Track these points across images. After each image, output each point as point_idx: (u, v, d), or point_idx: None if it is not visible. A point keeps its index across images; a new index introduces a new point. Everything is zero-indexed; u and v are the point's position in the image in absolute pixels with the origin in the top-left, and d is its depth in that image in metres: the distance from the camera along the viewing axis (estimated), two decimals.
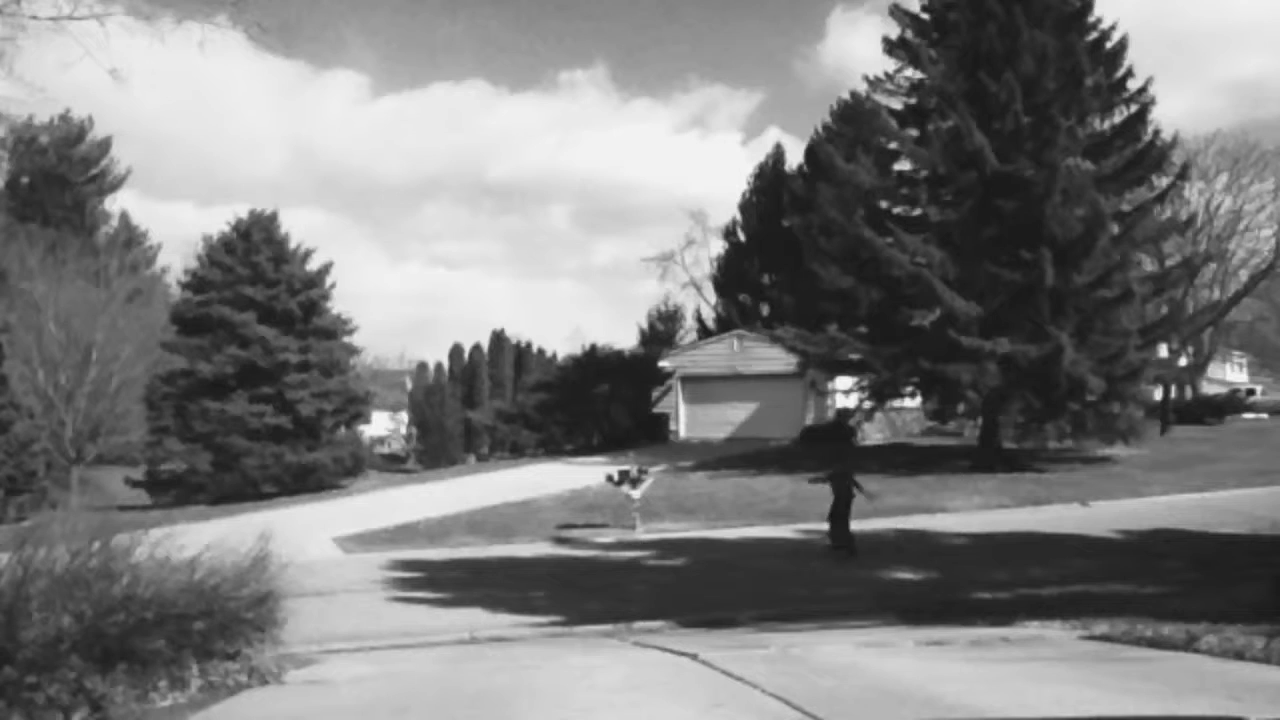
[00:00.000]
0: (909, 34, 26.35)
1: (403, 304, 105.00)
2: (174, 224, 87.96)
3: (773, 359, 32.62)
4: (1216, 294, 41.25)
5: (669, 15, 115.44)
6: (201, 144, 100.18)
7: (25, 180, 53.22)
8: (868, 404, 28.44)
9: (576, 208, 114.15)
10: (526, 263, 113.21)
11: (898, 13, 26.45)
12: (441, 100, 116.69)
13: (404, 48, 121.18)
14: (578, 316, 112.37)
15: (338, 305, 35.50)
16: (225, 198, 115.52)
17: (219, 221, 58.94)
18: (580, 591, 12.17)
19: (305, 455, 31.49)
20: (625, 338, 57.83)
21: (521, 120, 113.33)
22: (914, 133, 26.43)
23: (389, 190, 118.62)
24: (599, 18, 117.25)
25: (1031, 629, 7.63)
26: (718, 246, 46.85)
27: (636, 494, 17.85)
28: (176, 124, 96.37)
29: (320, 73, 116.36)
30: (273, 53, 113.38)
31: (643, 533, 17.39)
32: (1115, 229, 24.83)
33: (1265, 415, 41.10)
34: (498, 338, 60.86)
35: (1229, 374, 55.38)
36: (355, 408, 34.78)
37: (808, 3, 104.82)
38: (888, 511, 18.81)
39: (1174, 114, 60.81)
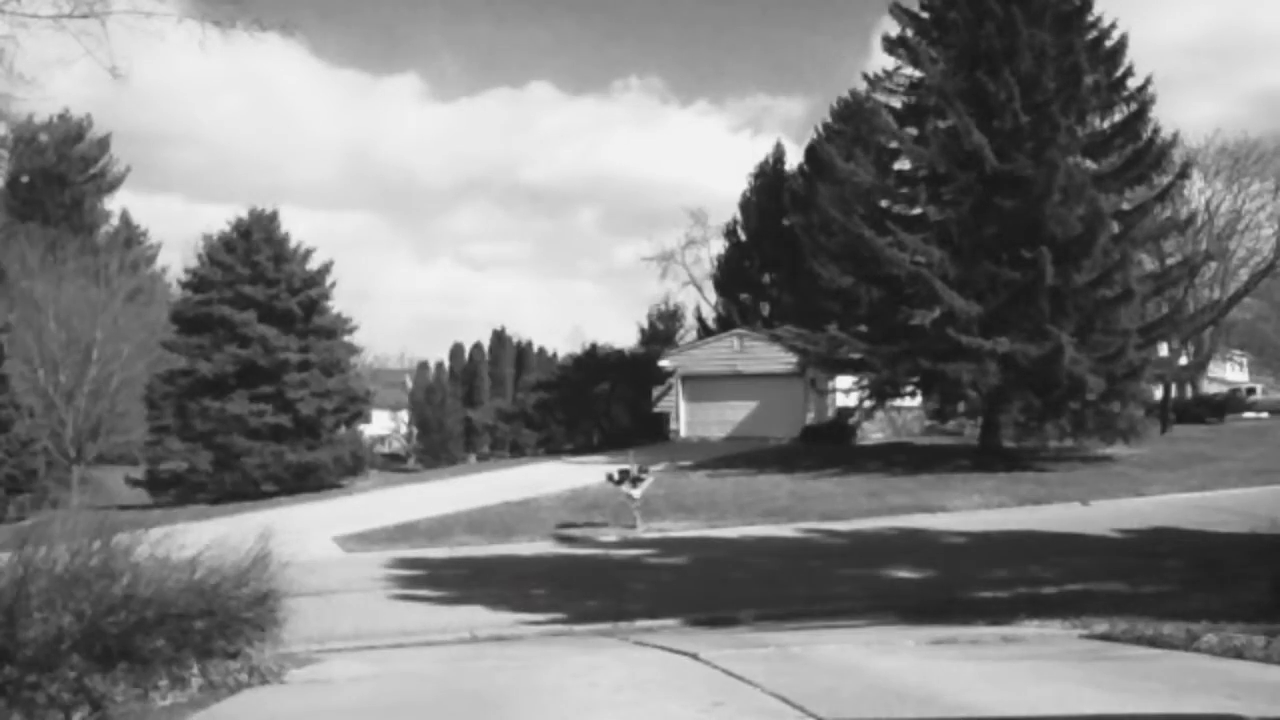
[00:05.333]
0: (909, 32, 26.35)
1: (429, 304, 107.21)
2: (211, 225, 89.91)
3: (773, 358, 32.64)
4: (1217, 293, 41.20)
5: (723, 25, 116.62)
6: (252, 146, 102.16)
7: (25, 179, 53.24)
8: (868, 403, 28.45)
9: (605, 209, 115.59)
10: (552, 264, 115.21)
11: (897, 11, 26.43)
12: (491, 107, 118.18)
13: (460, 54, 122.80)
14: (592, 316, 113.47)
15: (338, 304, 35.60)
16: (268, 199, 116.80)
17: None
18: (580, 590, 12.17)
19: (305, 454, 31.53)
20: (628, 337, 57.86)
21: (570, 123, 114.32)
22: (913, 131, 26.41)
23: (425, 191, 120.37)
24: (654, 26, 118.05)
25: (1031, 628, 7.63)
26: (718, 245, 46.92)
27: (637, 493, 17.85)
28: (239, 129, 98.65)
29: (380, 79, 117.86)
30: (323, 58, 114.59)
31: (643, 531, 17.39)
32: (1115, 228, 24.82)
33: (1266, 414, 41.09)
34: (498, 336, 61.00)
35: (1229, 373, 55.29)
36: (355, 407, 34.82)
37: (854, 19, 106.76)
38: (889, 510, 18.85)
39: (1200, 121, 60.41)
